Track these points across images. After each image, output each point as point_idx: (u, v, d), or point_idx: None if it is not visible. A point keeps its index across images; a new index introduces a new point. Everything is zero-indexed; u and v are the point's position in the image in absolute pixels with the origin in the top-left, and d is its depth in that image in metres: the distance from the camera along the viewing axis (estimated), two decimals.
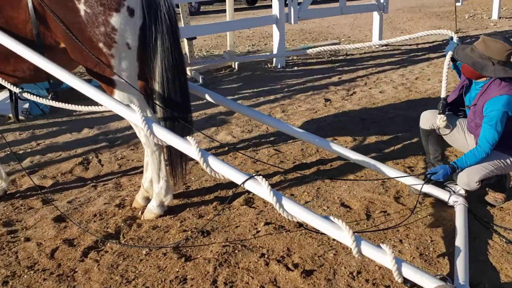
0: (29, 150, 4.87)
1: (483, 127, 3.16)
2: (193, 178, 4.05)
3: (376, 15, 9.88)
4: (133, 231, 3.21)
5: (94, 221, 3.36)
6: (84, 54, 2.94)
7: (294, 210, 2.52)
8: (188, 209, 3.48)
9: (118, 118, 5.90)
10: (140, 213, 3.44)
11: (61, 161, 4.58)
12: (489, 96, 3.12)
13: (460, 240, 2.84)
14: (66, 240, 3.12)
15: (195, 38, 7.67)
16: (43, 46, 3.01)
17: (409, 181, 3.43)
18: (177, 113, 3.19)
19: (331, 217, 2.52)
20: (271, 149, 4.69)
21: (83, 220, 3.39)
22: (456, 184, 3.42)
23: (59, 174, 4.26)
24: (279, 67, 8.39)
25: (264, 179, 2.57)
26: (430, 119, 3.63)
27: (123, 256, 2.90)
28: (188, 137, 2.71)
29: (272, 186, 3.84)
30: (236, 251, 2.90)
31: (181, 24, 7.67)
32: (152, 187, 3.38)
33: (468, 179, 3.25)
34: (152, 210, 3.36)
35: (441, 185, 3.42)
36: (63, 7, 2.87)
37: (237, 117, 5.89)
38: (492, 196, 3.46)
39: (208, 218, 3.34)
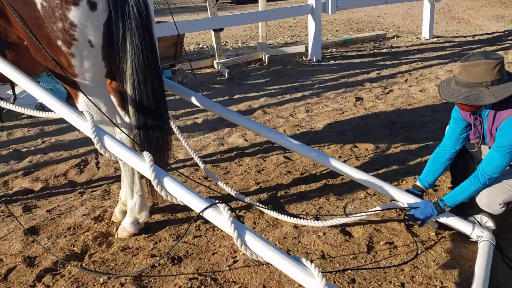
0: (32, 148, 4.69)
1: (490, 153, 2.58)
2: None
3: (426, 4, 9.00)
4: (100, 251, 2.87)
5: (65, 236, 3.05)
6: (43, 53, 2.61)
7: (258, 248, 2.06)
8: (168, 227, 3.10)
9: None
10: (115, 229, 3.10)
11: (60, 161, 4.35)
12: (501, 119, 2.52)
13: None
14: (28, 258, 2.83)
15: (222, 29, 7.24)
16: (5, 43, 2.72)
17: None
18: (151, 121, 2.80)
19: (303, 260, 2.04)
20: (281, 156, 4.21)
21: (55, 234, 3.10)
22: (482, 213, 2.81)
23: (52, 177, 4.02)
24: (314, 60, 7.82)
25: (226, 207, 2.12)
26: None
27: (77, 284, 2.56)
28: (144, 152, 2.31)
29: (269, 201, 3.42)
30: (203, 286, 2.49)
31: (208, 14, 7.28)
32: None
33: (489, 200, 2.68)
34: (126, 227, 3.01)
35: (461, 212, 2.83)
36: (20, 1, 2.55)
37: (256, 117, 5.46)
38: None
39: (186, 240, 2.94)
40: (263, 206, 3.19)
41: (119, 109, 3.08)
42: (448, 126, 3.01)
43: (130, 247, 2.90)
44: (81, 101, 2.73)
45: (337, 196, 3.41)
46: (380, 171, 3.79)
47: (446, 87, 2.66)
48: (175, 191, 2.20)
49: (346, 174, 2.96)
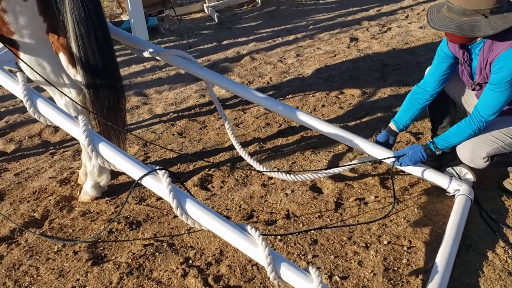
0: (11, 107, 4.55)
1: (485, 91, 2.27)
2: (157, 146, 3.51)
3: None
4: (60, 217, 2.77)
5: (28, 202, 2.95)
6: None
7: (199, 216, 1.91)
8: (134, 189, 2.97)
9: None
10: (78, 193, 2.99)
11: (36, 120, 4.20)
12: (496, 52, 2.19)
13: (444, 251, 2.11)
14: None
15: None
16: None
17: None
18: (99, 79, 2.60)
19: (248, 227, 1.88)
20: (262, 108, 3.99)
21: (18, 199, 3.00)
22: (461, 165, 2.59)
23: (26, 138, 3.90)
24: None
25: (166, 174, 1.96)
26: None
27: (31, 252, 2.47)
28: (79, 116, 2.13)
29: (249, 155, 3.24)
30: (158, 253, 2.37)
31: None
32: None
33: (471, 153, 2.42)
34: (87, 191, 2.89)
35: (439, 165, 2.62)
36: None
37: (242, 64, 5.19)
38: None
39: (149, 203, 2.82)
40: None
41: (69, 67, 2.87)
42: (432, 64, 2.70)
43: (91, 211, 2.79)
44: (24, 59, 2.53)
45: (312, 150, 3.21)
46: (363, 120, 3.56)
47: (436, 13, 2.30)
48: (112, 158, 2.04)
49: (314, 127, 2.73)
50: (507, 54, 2.13)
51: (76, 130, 2.09)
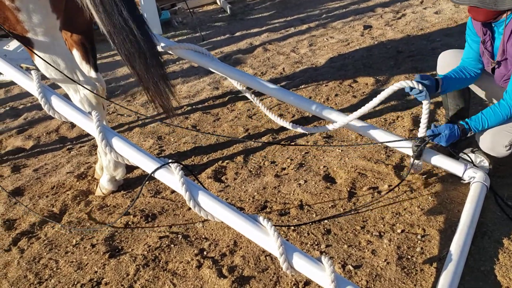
0: (29, 104, 4.65)
1: None
2: (172, 139, 3.55)
3: None
4: (78, 211, 2.83)
5: (46, 196, 3.02)
6: None
7: (212, 208, 1.94)
8: (147, 182, 3.01)
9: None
10: (95, 187, 3.04)
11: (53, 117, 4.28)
12: None
13: (459, 238, 2.09)
14: (8, 221, 2.82)
15: None
16: None
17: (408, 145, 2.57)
18: (142, 64, 2.42)
19: (260, 218, 1.90)
20: (275, 98, 3.98)
21: (37, 194, 3.07)
22: (477, 151, 2.56)
23: (44, 134, 3.98)
24: None
25: (178, 167, 1.99)
26: (452, 62, 2.70)
27: (50, 246, 2.53)
28: (93, 111, 2.17)
29: (255, 149, 3.26)
30: (173, 245, 2.41)
31: None
32: None
33: (492, 141, 2.38)
34: (104, 185, 2.94)
35: (454, 151, 2.58)
36: None
37: (255, 55, 5.19)
38: None
39: (164, 195, 2.86)
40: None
41: (83, 64, 2.92)
42: (465, 46, 2.60)
43: (108, 205, 2.85)
44: (37, 58, 2.57)
45: (326, 140, 3.21)
46: (377, 108, 3.53)
47: None
48: (125, 152, 2.08)
49: (327, 118, 2.72)
50: None
51: (90, 125, 2.13)
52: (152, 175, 2.02)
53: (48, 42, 2.55)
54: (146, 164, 2.05)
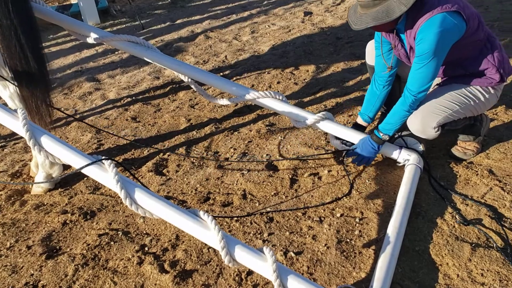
0: None
1: (412, 68, 2.33)
2: (114, 131, 3.44)
3: None
4: (12, 211, 2.70)
5: None
6: None
7: (150, 205, 1.90)
8: (86, 178, 2.92)
9: (63, 53, 5.25)
10: (31, 186, 2.91)
11: None
12: (417, 27, 2.24)
13: (395, 220, 2.16)
14: None
15: None
16: None
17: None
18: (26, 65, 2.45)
19: (200, 213, 1.89)
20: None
21: None
22: (409, 134, 2.65)
23: None
24: None
25: (112, 164, 1.93)
26: None
27: None
28: (19, 109, 2.06)
29: (198, 139, 3.23)
30: (113, 242, 2.35)
31: None
32: None
33: (422, 124, 2.47)
34: (39, 184, 2.82)
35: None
36: None
37: (197, 43, 5.11)
38: (461, 147, 2.69)
39: (103, 192, 2.77)
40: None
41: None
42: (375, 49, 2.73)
43: (45, 203, 2.73)
44: None
45: (268, 128, 3.22)
46: (317, 95, 3.58)
47: (353, 15, 2.33)
48: (55, 149, 1.99)
49: (268, 107, 2.72)
50: (425, 25, 2.19)
51: (16, 124, 2.02)
52: (84, 173, 1.95)
53: None
54: (79, 163, 1.97)
